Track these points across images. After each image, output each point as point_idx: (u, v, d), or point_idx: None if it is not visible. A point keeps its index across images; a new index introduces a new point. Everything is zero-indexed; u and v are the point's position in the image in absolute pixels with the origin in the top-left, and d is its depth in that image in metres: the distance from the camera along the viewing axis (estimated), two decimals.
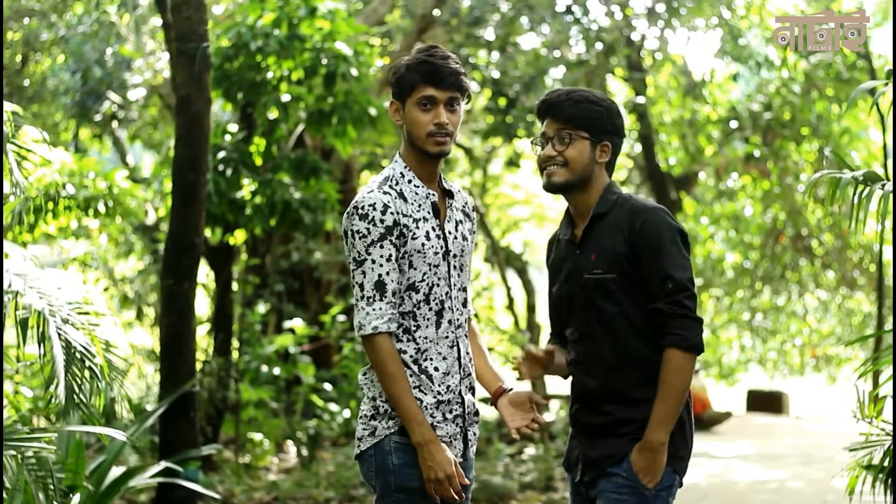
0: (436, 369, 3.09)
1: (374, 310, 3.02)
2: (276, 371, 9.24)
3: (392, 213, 3.04)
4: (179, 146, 6.31)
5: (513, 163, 12.86)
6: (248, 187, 8.01)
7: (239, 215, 7.99)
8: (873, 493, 3.91)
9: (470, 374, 3.19)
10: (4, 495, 3.75)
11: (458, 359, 3.14)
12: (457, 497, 3.01)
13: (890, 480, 3.85)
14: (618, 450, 3.14)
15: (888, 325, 8.09)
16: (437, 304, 3.10)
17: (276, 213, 8.01)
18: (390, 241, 3.04)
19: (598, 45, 11.62)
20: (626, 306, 3.14)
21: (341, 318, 10.13)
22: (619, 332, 3.15)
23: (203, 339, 9.66)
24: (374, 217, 3.03)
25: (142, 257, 11.48)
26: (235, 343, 9.31)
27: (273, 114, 7.98)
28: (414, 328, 3.08)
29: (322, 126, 8.01)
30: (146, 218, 10.90)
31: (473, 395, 3.21)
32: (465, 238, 3.21)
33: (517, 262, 14.31)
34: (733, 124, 14.26)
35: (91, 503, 5.24)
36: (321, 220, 8.24)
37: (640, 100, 13.43)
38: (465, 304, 3.21)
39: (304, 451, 8.79)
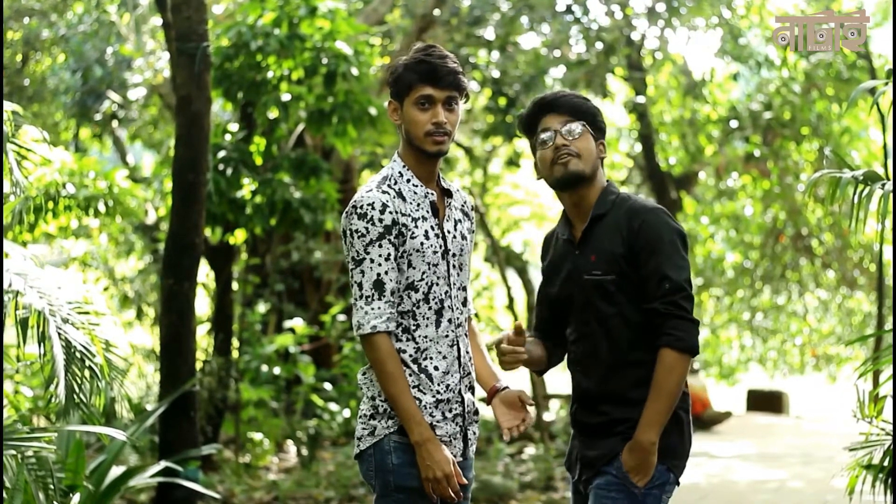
0: (436, 368, 3.09)
1: (372, 309, 3.02)
2: (277, 371, 9.25)
3: (391, 213, 3.04)
4: (179, 146, 6.31)
5: (513, 162, 12.87)
6: (248, 187, 8.01)
7: (239, 215, 7.99)
8: (873, 492, 3.91)
9: (470, 374, 3.19)
10: (4, 495, 3.75)
11: (458, 358, 3.14)
12: (455, 496, 3.00)
13: (890, 480, 3.85)
14: (610, 448, 3.14)
15: (888, 325, 8.08)
16: (436, 303, 3.10)
17: (276, 212, 8.01)
18: (389, 240, 3.03)
19: (599, 45, 11.61)
20: (624, 307, 3.13)
21: (341, 317, 10.14)
22: (616, 333, 3.15)
23: (203, 338, 9.66)
24: (372, 216, 3.03)
25: (142, 257, 11.48)
26: (235, 343, 9.31)
27: (273, 113, 7.98)
28: (413, 327, 3.08)
29: (322, 126, 8.01)
30: (146, 217, 10.91)
31: (473, 394, 3.21)
32: (464, 237, 3.20)
33: (517, 261, 14.29)
34: (733, 124, 14.26)
35: (91, 503, 5.24)
36: (321, 219, 8.24)
37: (641, 99, 13.43)
38: (464, 303, 3.20)
39: (304, 451, 8.79)
